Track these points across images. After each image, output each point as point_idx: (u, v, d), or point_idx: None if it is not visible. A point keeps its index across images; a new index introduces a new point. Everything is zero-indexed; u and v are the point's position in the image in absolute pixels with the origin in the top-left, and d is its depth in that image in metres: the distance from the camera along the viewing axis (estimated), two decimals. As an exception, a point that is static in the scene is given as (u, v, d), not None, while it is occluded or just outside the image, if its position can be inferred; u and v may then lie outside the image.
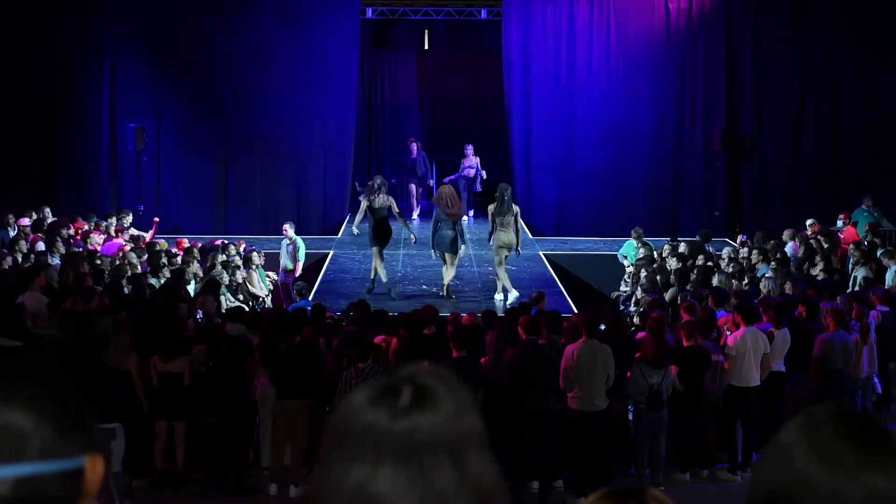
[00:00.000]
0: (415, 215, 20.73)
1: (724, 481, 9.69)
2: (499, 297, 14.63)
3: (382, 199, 14.55)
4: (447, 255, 14.52)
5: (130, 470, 9.10)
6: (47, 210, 16.79)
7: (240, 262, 14.58)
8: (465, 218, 15.52)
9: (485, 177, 20.03)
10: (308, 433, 9.14)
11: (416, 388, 1.29)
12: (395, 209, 14.80)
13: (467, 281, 15.96)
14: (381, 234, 14.59)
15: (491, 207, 14.47)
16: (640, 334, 10.10)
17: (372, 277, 15.05)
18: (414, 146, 20.88)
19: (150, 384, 9.34)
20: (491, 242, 14.59)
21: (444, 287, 14.73)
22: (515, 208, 14.46)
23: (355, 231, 15.42)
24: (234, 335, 9.63)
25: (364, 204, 14.58)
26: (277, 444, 9.36)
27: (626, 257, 16.29)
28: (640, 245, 15.83)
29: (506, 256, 14.50)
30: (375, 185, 14.57)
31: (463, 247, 14.74)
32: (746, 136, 20.50)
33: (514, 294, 14.26)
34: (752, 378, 9.65)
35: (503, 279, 14.56)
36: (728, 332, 9.97)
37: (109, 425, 7.83)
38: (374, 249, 14.71)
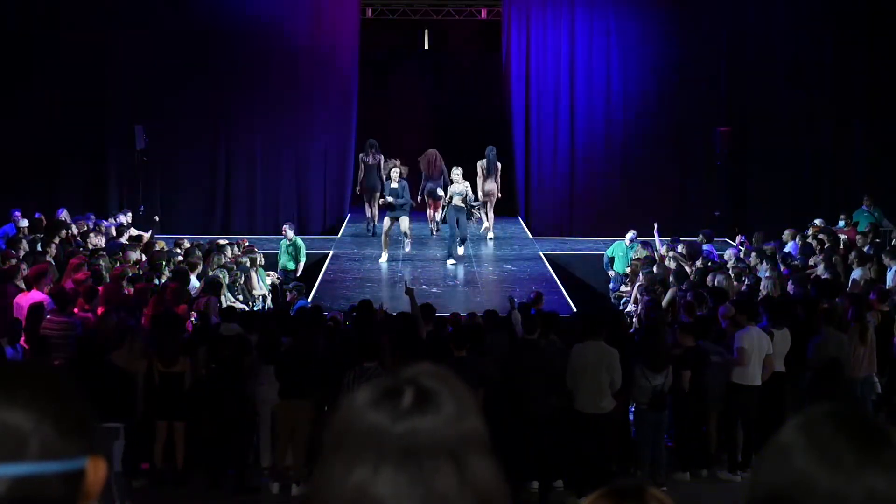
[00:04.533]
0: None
1: (724, 481, 9.69)
2: (483, 226, 18.25)
3: (373, 158, 18.56)
4: (432, 202, 18.46)
5: (130, 470, 9.11)
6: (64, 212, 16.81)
7: (247, 263, 14.56)
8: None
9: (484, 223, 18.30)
10: (310, 433, 9.14)
11: (417, 390, 1.29)
12: (382, 168, 18.18)
13: (467, 280, 15.96)
14: (371, 184, 18.58)
15: (480, 162, 18.46)
16: (639, 335, 10.10)
17: (369, 226, 19.15)
18: (396, 172, 16.87)
19: (152, 384, 9.34)
20: (478, 191, 17.99)
21: (433, 229, 19.01)
22: (498, 165, 18.60)
23: (357, 191, 19.16)
24: (230, 335, 9.63)
25: (361, 160, 18.78)
26: (280, 444, 9.36)
27: (613, 260, 16.12)
28: (639, 245, 15.81)
29: (489, 201, 18.42)
30: (369, 146, 18.73)
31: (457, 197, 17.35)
32: (746, 136, 20.49)
33: (485, 225, 18.41)
34: (756, 377, 9.65)
35: (488, 217, 18.39)
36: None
37: (112, 424, 7.81)
38: (365, 196, 18.86)
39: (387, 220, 16.97)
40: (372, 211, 19.06)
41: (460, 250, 16.86)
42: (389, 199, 16.77)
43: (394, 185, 16.83)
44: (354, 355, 8.94)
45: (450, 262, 16.57)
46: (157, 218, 17.30)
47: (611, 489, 1.54)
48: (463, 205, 16.78)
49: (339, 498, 1.26)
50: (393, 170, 17.02)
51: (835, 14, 20.17)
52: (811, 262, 14.53)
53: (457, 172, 17.03)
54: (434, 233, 19.13)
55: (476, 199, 17.55)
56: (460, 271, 16.36)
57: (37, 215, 16.21)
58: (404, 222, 16.86)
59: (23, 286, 11.50)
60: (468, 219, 17.05)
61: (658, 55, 20.46)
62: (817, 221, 17.22)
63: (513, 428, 8.80)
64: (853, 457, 1.33)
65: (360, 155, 18.94)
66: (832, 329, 9.98)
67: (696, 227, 17.78)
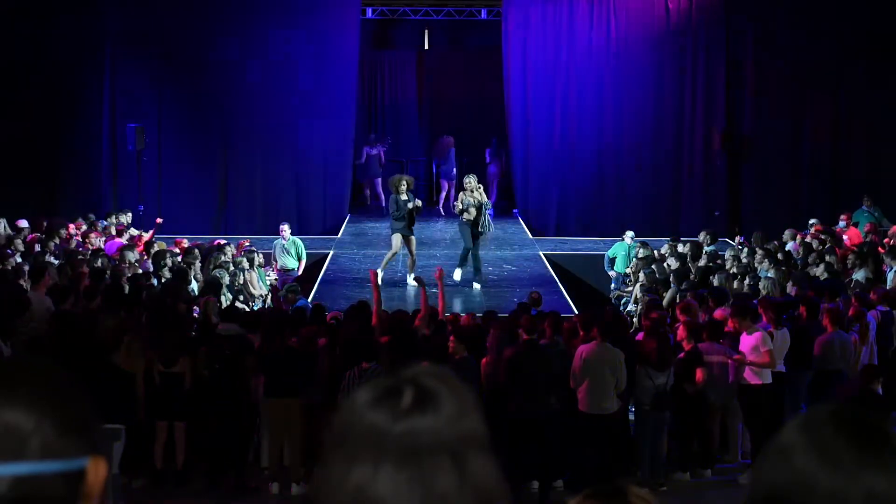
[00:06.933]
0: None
1: (725, 481, 9.68)
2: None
3: (376, 149, 21.30)
4: (446, 183, 21.35)
5: (130, 470, 9.10)
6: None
7: (245, 264, 14.55)
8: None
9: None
10: (303, 432, 9.14)
11: (417, 390, 1.29)
12: (382, 159, 21.61)
13: (467, 281, 15.94)
14: (370, 173, 21.53)
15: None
16: (640, 335, 10.09)
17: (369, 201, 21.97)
18: (404, 185, 15.72)
19: (152, 384, 9.33)
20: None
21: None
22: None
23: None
24: (230, 335, 9.62)
25: (366, 152, 21.39)
26: (272, 444, 9.36)
27: (614, 259, 16.12)
28: (639, 245, 15.80)
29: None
30: (377, 137, 21.48)
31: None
32: (746, 136, 20.51)
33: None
34: (767, 375, 9.64)
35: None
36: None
37: (113, 426, 7.80)
38: (365, 182, 21.62)
39: (398, 239, 15.40)
40: (374, 191, 22.10)
41: (457, 274, 15.66)
42: (419, 202, 15.52)
43: (403, 196, 15.36)
44: (354, 355, 8.94)
45: (476, 286, 15.50)
46: (159, 220, 17.21)
47: (594, 490, 1.53)
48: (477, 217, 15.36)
49: (340, 498, 1.26)
50: (401, 183, 15.59)
51: (836, 14, 20.16)
52: (811, 261, 14.52)
53: (468, 181, 15.68)
54: (443, 212, 20.97)
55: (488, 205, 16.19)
56: (459, 272, 16.31)
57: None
58: (413, 242, 15.64)
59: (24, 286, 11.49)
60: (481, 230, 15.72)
61: (658, 54, 20.45)
62: (813, 221, 17.21)
63: (513, 428, 8.80)
64: (853, 457, 1.33)
65: (365, 147, 21.47)
66: (837, 329, 9.98)
67: (696, 227, 17.77)
